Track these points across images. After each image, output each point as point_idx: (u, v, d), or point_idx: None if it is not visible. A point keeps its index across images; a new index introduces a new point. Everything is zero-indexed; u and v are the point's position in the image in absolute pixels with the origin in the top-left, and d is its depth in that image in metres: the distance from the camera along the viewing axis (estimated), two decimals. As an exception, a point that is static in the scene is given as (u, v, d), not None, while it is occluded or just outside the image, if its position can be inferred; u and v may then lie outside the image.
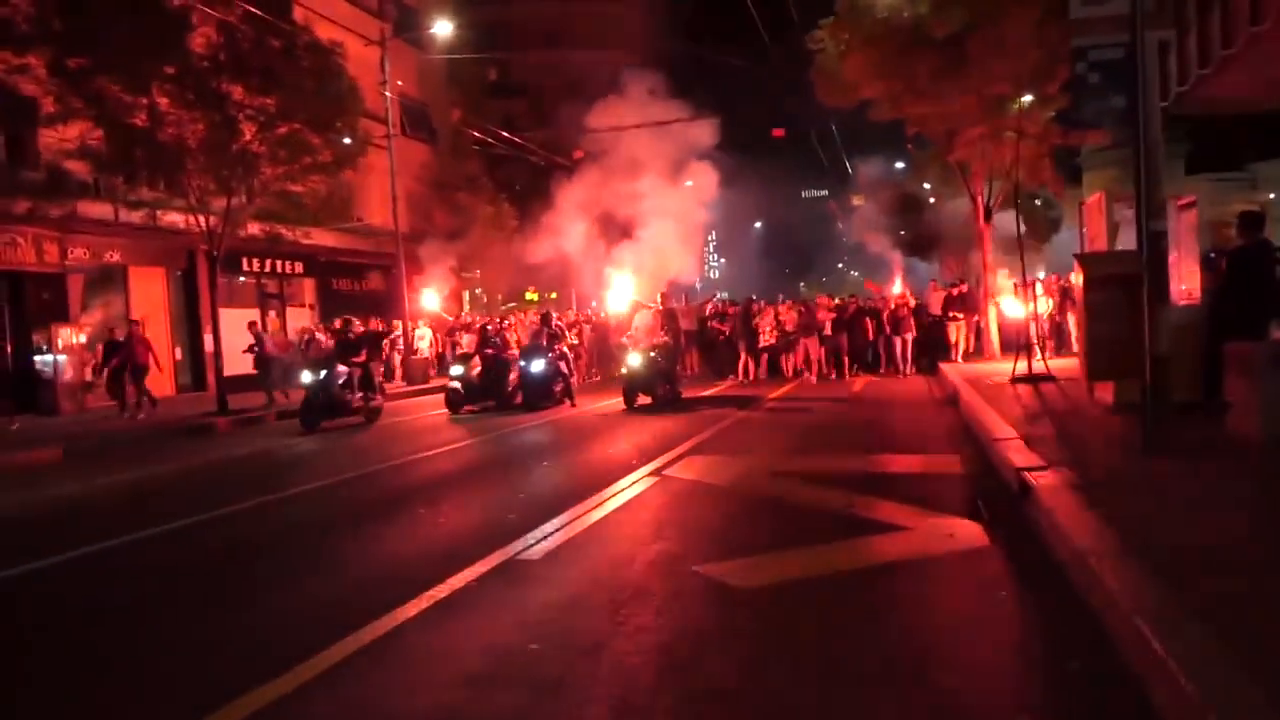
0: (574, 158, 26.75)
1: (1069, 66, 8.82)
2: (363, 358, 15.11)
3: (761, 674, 3.73)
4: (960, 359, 19.89)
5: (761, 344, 20.35)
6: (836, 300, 22.87)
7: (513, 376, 16.44)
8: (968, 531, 5.87)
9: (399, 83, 25.87)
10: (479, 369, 16.35)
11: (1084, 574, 4.33)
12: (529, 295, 41.29)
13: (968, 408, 11.50)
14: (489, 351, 16.63)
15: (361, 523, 7.23)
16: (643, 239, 20.03)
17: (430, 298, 24.61)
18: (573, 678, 3.75)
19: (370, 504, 8.10)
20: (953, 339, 20.38)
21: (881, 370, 20.33)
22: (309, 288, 29.75)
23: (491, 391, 16.39)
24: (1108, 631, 3.78)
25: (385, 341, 17.99)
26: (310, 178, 19.94)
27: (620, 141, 27.37)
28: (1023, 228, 15.08)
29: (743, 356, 20.52)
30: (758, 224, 74.89)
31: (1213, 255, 9.25)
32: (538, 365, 16.14)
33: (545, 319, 17.96)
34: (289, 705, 3.62)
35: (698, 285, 70.77)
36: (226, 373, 18.56)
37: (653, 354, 15.21)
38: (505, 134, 34.11)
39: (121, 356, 17.90)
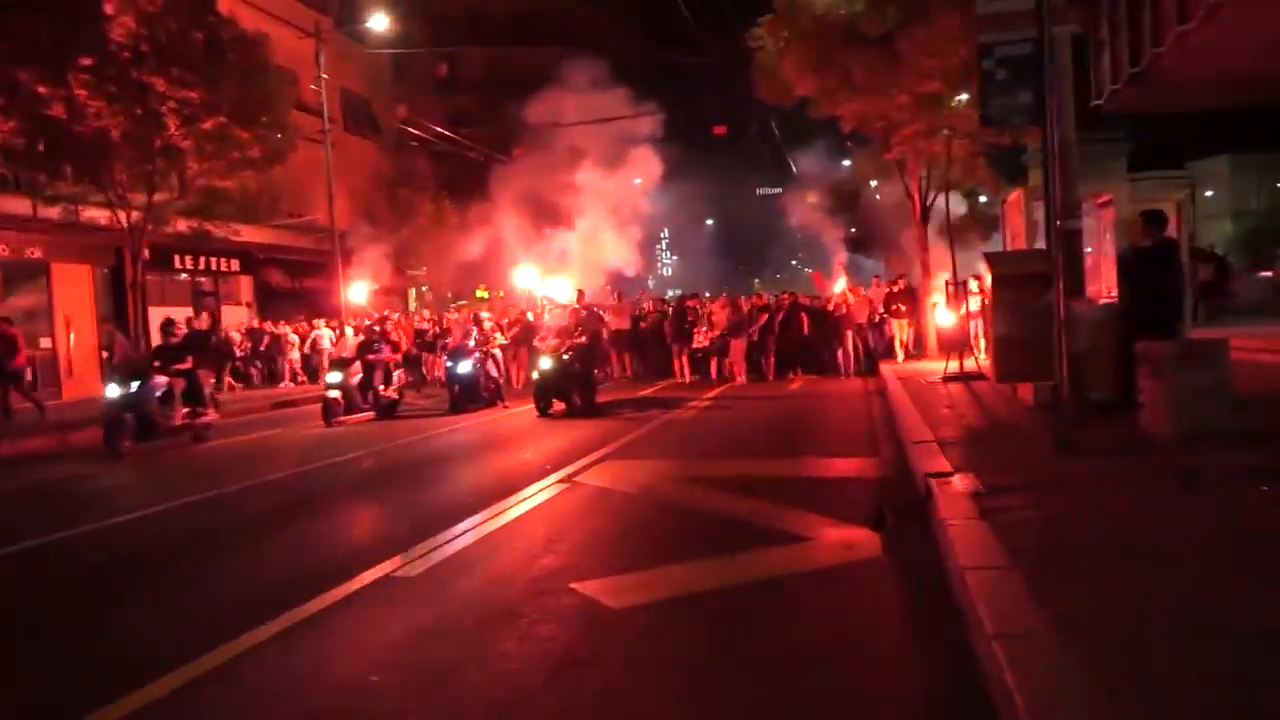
0: (513, 154, 26.43)
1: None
2: (188, 365, 12.94)
3: (609, 706, 3.49)
4: (902, 358, 19.53)
5: (695, 344, 19.58)
6: (768, 298, 21.91)
7: (391, 380, 15.27)
8: (867, 542, 5.70)
9: (325, 78, 25.11)
10: (359, 376, 14.82)
11: (962, 590, 4.16)
12: (479, 293, 40.79)
13: (894, 408, 11.41)
14: (370, 357, 15.06)
15: (237, 538, 6.89)
16: (578, 231, 19.55)
17: (358, 292, 23.23)
18: (418, 715, 3.49)
19: (252, 517, 7.75)
20: (895, 336, 19.99)
21: (822, 371, 19.37)
22: (246, 285, 29.09)
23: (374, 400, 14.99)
24: (973, 653, 3.61)
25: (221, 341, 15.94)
26: (239, 173, 19.42)
27: (563, 135, 27.16)
28: (951, 225, 15.04)
29: (675, 360, 19.82)
30: (709, 221, 74.80)
31: (1127, 253, 9.21)
32: (464, 366, 15.47)
33: (476, 319, 17.55)
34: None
35: (650, 282, 70.76)
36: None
37: (565, 356, 14.31)
38: (448, 131, 33.62)
39: None
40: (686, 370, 19.62)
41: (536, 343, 15.71)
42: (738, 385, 17.94)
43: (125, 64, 17.08)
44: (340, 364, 14.99)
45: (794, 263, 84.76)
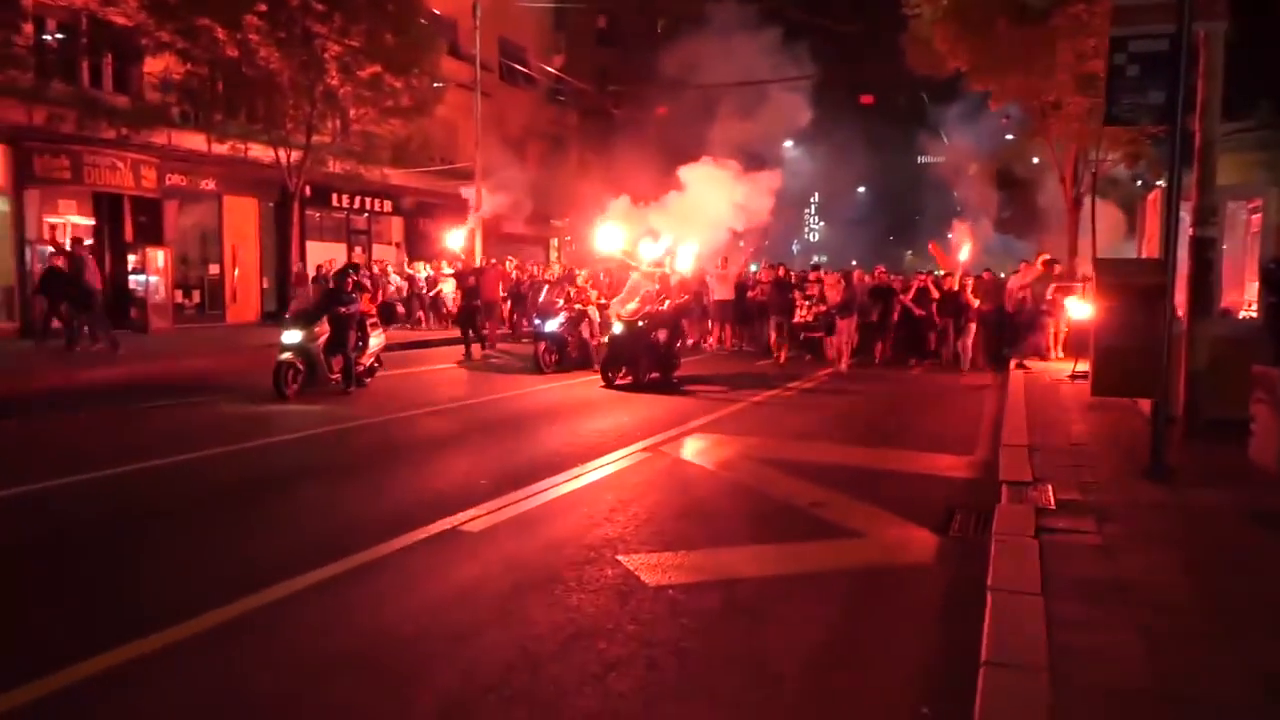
0: (657, 111, 26.54)
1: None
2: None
3: (599, 683, 3.69)
4: (1055, 354, 16.73)
5: (798, 320, 17.84)
6: (893, 277, 19.80)
7: (367, 341, 12.48)
8: (922, 545, 5.67)
9: (479, 30, 25.72)
10: (325, 335, 11.75)
11: (991, 610, 4.13)
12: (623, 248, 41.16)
13: (1006, 407, 11.05)
14: (342, 310, 11.95)
15: (325, 477, 7.44)
16: (693, 190, 18.68)
17: (455, 238, 21.31)
18: (425, 669, 3.79)
19: (338, 461, 8.31)
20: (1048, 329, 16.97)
21: (940, 362, 17.19)
22: (397, 226, 30.44)
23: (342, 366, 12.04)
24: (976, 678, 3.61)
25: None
26: (390, 120, 20.32)
27: (712, 94, 26.98)
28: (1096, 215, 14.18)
29: (772, 334, 18.17)
30: (861, 189, 72.82)
31: (1273, 266, 8.56)
32: (550, 325, 15.02)
33: (570, 275, 17.35)
34: (158, 663, 3.78)
35: (794, 247, 69.84)
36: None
37: (641, 324, 13.22)
38: (603, 85, 33.95)
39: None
40: (783, 348, 17.78)
41: (614, 306, 14.48)
42: (839, 371, 16.06)
43: (294, 11, 18.09)
44: (301, 319, 11.81)
45: (949, 235, 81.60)
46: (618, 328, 13.45)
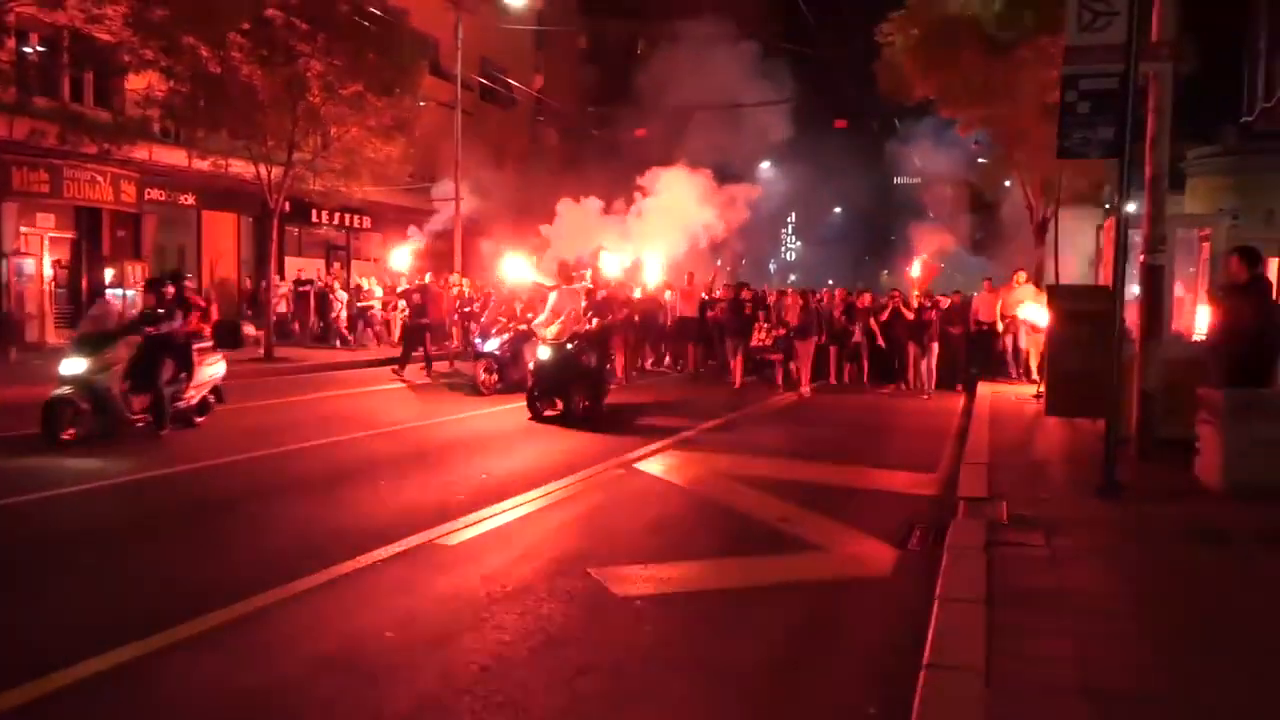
0: (636, 134, 26.91)
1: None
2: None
3: (569, 687, 3.91)
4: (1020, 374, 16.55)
5: (755, 341, 16.72)
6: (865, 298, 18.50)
7: (191, 370, 9.92)
8: (881, 558, 5.93)
9: (461, 49, 26.02)
10: (123, 364, 9.23)
11: (936, 617, 4.39)
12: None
13: (972, 426, 11.36)
14: (151, 331, 9.45)
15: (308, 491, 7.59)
16: (655, 198, 17.99)
17: (400, 257, 20.64)
18: (402, 669, 3.99)
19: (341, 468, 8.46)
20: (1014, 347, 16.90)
21: (899, 385, 16.55)
22: (377, 241, 30.58)
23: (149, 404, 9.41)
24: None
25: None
26: (372, 140, 20.50)
27: (690, 114, 27.41)
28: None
29: (729, 357, 17.12)
30: (837, 209, 73.66)
31: (1218, 292, 8.93)
32: (490, 345, 14.36)
33: (511, 292, 15.93)
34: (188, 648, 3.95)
35: (771, 266, 70.41)
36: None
37: (570, 346, 11.86)
38: (582, 106, 34.31)
39: None
40: (738, 372, 16.80)
41: (536, 328, 12.90)
42: (802, 396, 15.32)
43: (278, 30, 18.29)
44: (88, 343, 9.29)
45: (924, 256, 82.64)
46: (544, 352, 11.95)
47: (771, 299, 18.28)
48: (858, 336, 17.30)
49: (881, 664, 4.21)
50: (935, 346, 16.22)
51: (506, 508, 6.92)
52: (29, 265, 20.09)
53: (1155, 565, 5.25)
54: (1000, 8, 18.64)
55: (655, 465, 8.97)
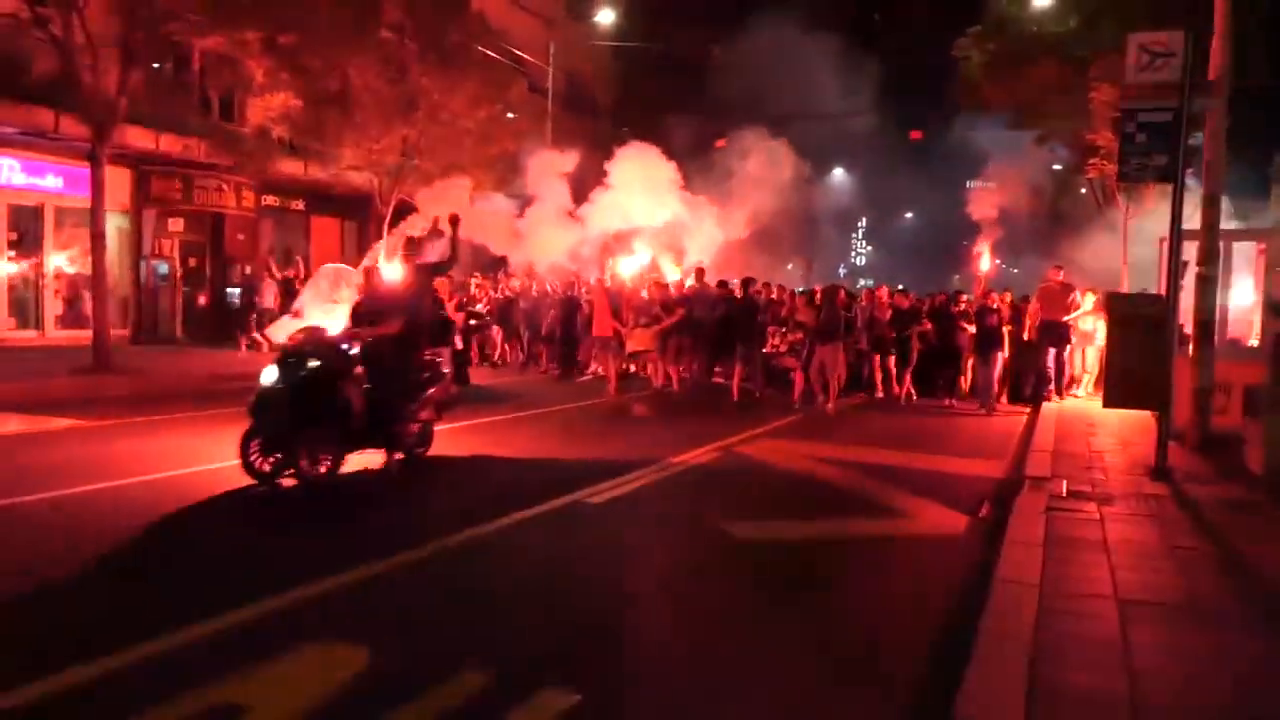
0: (716, 145, 28.04)
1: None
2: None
3: (682, 604, 5.16)
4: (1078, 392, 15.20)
5: (770, 347, 14.88)
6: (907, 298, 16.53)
7: None
8: (955, 523, 7.06)
9: (552, 70, 27.50)
10: None
11: (1004, 551, 5.51)
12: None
13: (1038, 424, 12.25)
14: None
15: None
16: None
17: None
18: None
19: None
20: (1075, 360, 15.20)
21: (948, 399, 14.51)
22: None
23: None
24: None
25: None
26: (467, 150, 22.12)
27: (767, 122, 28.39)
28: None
29: (739, 363, 14.64)
30: (909, 214, 73.81)
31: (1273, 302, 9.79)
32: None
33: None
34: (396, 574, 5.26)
35: (841, 270, 70.98)
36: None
37: (312, 362, 7.47)
38: (660, 114, 35.52)
39: None
40: (736, 384, 14.56)
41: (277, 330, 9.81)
42: (824, 412, 13.23)
43: (392, 48, 20.01)
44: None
45: (998, 262, 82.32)
46: (268, 375, 7.43)
47: (775, 297, 16.64)
48: (917, 342, 14.82)
49: (960, 586, 5.36)
50: (999, 356, 14.10)
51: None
52: (163, 267, 22.14)
53: (1187, 525, 6.32)
54: (1076, 23, 19.48)
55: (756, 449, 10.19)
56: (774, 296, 16.80)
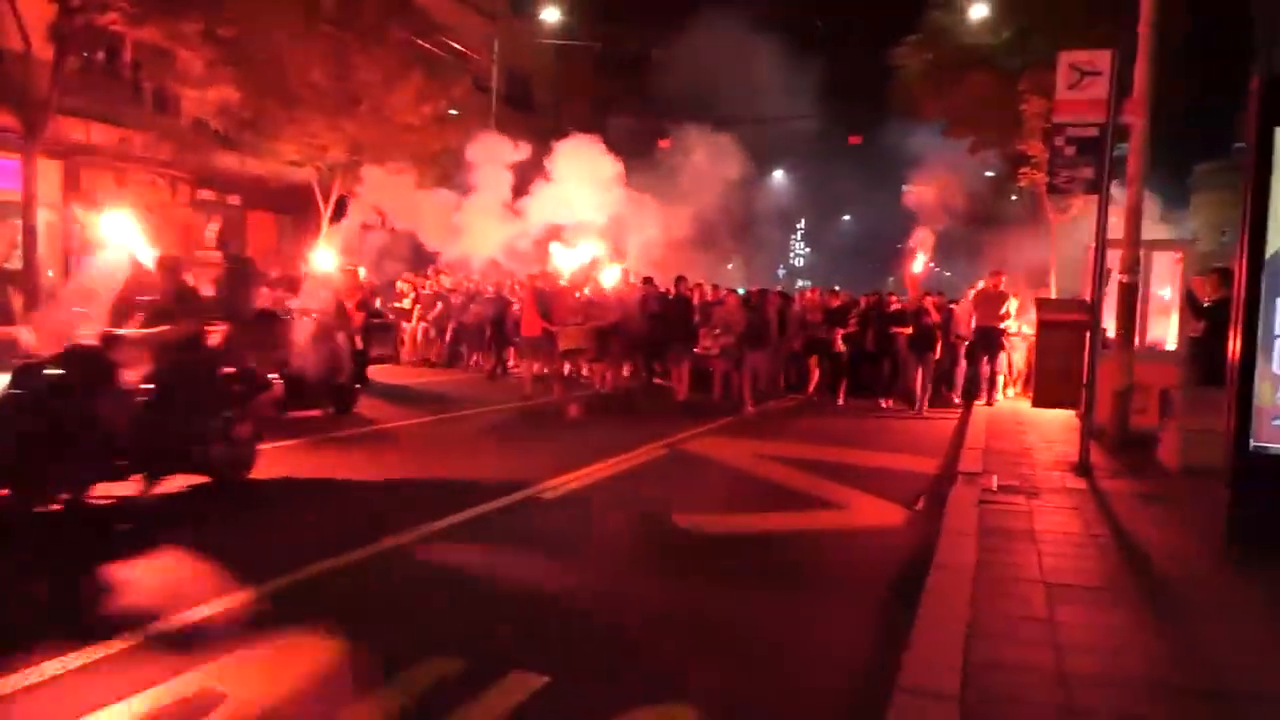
0: (660, 145, 28.34)
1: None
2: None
3: (625, 586, 5.38)
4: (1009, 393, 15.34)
5: (701, 348, 14.44)
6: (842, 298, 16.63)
7: None
8: (893, 514, 7.39)
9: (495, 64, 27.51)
10: None
11: (942, 541, 5.82)
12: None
13: (973, 422, 12.70)
14: None
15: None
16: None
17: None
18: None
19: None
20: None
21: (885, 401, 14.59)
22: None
23: None
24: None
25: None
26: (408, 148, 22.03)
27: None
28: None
29: (673, 366, 14.76)
30: (846, 216, 75.18)
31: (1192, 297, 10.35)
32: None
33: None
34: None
35: (780, 271, 71.96)
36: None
37: (49, 372, 6.22)
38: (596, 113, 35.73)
39: None
40: (683, 383, 14.57)
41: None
42: (755, 414, 13.21)
43: (333, 45, 19.83)
44: None
45: (931, 265, 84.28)
46: None
47: (711, 298, 16.38)
48: (844, 345, 14.80)
49: (898, 573, 5.65)
50: (932, 358, 14.16)
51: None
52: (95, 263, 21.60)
53: (1105, 515, 6.72)
54: (1009, 36, 20.16)
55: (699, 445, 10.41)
56: (710, 298, 16.65)
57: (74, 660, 3.91)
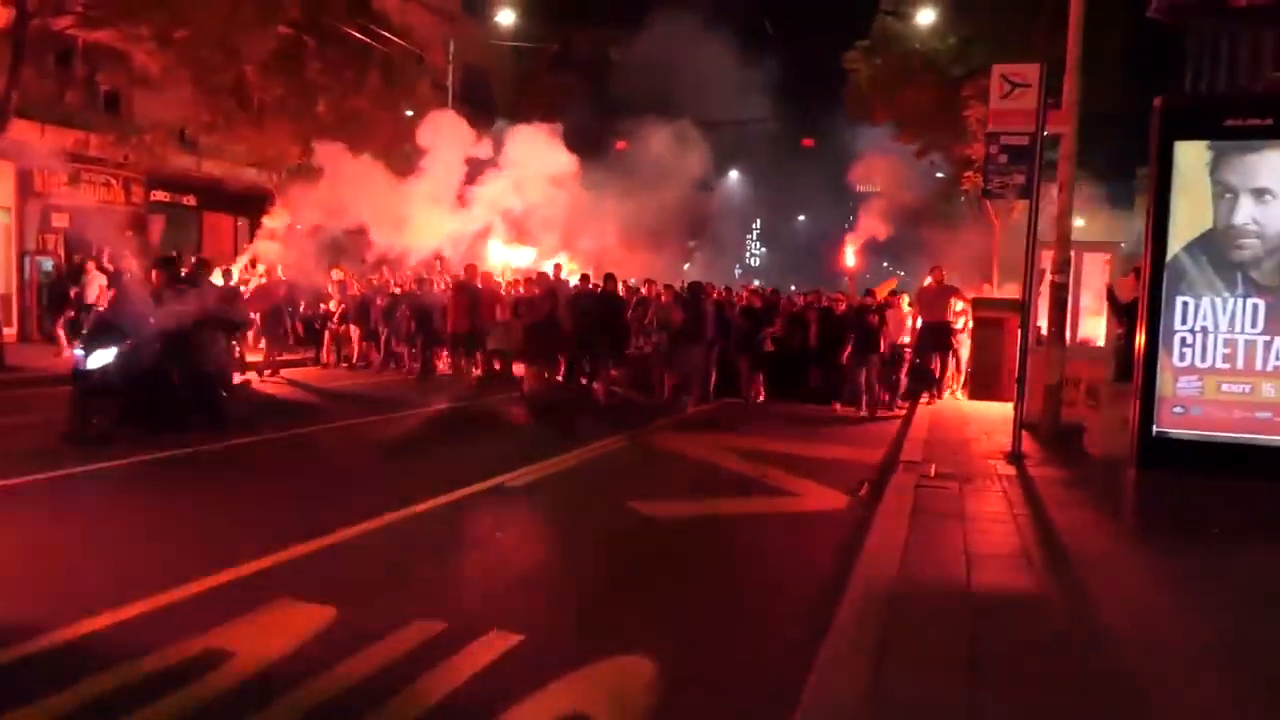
0: (616, 147, 28.79)
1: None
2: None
3: (597, 569, 5.80)
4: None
5: (632, 348, 14.23)
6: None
7: None
8: (837, 500, 7.88)
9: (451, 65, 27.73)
10: None
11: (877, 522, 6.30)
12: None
13: (915, 417, 13.25)
14: None
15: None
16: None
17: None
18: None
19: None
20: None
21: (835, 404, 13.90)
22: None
23: None
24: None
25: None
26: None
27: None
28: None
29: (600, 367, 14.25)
30: (801, 217, 76.22)
31: (1112, 294, 10.99)
32: (95, 359, 8.80)
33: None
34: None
35: (736, 271, 72.84)
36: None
37: None
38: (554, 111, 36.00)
39: None
40: (602, 386, 14.07)
41: None
42: (696, 412, 13.12)
43: (290, 45, 19.96)
44: None
45: (884, 265, 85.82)
46: None
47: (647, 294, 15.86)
48: (768, 345, 14.32)
49: (836, 550, 6.12)
50: (876, 358, 13.18)
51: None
52: (48, 263, 21.50)
53: (1030, 498, 7.29)
54: (954, 43, 20.90)
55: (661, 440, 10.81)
56: (647, 293, 16.12)
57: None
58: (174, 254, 15.39)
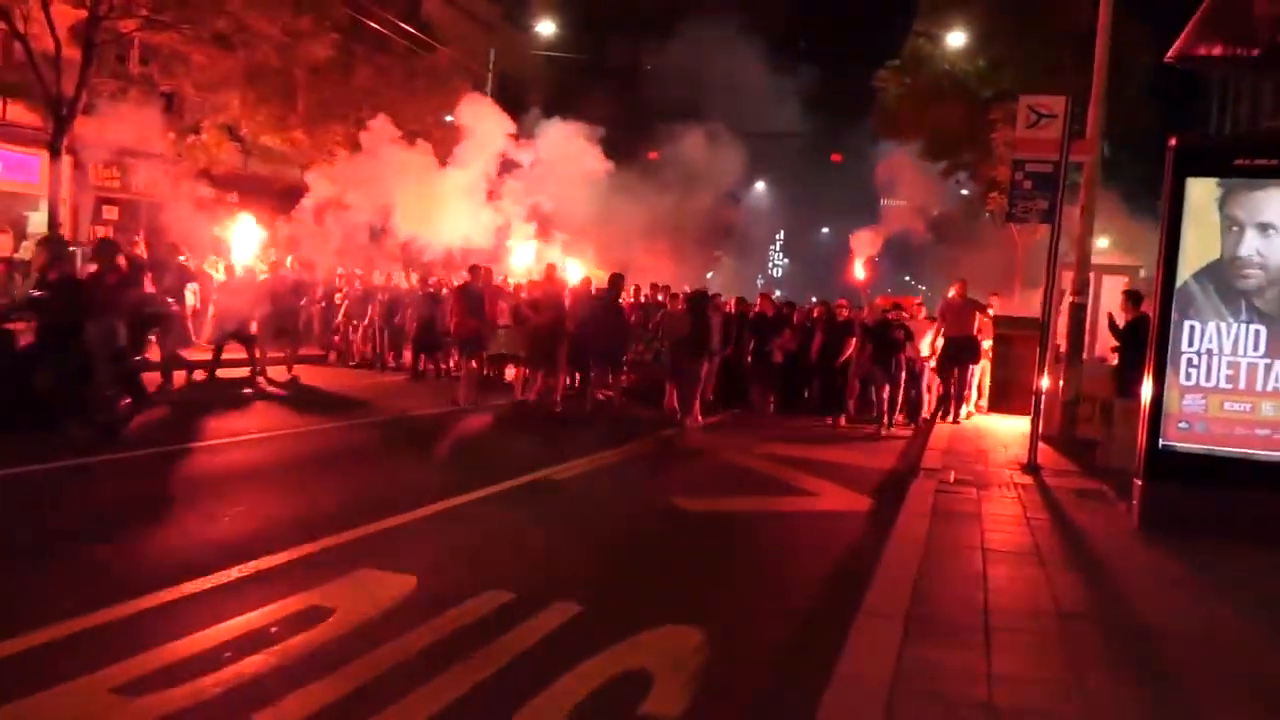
0: (649, 157, 29.40)
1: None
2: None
3: (637, 557, 6.36)
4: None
5: (631, 355, 13.68)
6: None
7: None
8: (860, 501, 8.41)
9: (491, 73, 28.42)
10: None
11: (899, 520, 6.83)
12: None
13: (934, 430, 13.68)
14: None
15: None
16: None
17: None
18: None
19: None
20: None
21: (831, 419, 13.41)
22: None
23: None
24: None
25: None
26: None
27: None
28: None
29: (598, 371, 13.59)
30: (825, 229, 76.61)
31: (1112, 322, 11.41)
32: None
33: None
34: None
35: (759, 281, 73.31)
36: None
37: None
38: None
39: None
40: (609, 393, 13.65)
41: None
42: (685, 427, 12.38)
43: (342, 51, 20.73)
44: None
45: (906, 279, 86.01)
46: None
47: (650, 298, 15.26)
48: (778, 356, 14.12)
49: (864, 543, 6.65)
50: (900, 374, 12.83)
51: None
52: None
53: (1044, 504, 7.80)
54: (984, 64, 21.39)
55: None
56: (658, 299, 15.62)
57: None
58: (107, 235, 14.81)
